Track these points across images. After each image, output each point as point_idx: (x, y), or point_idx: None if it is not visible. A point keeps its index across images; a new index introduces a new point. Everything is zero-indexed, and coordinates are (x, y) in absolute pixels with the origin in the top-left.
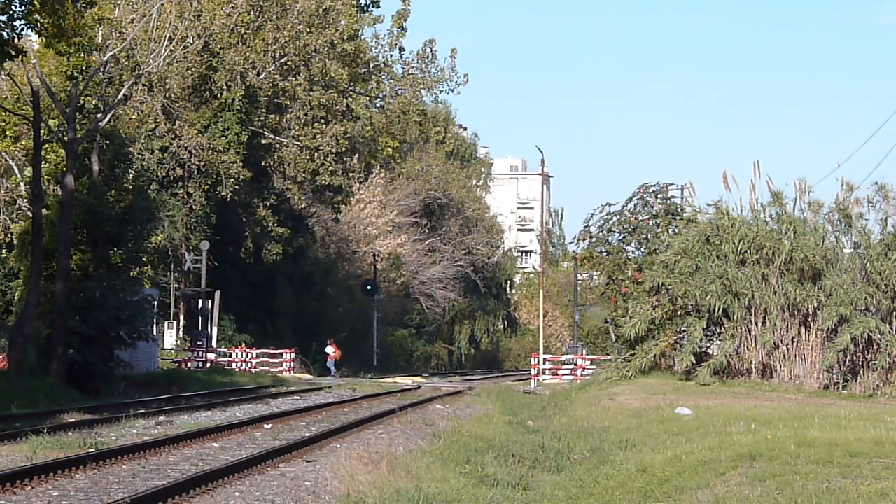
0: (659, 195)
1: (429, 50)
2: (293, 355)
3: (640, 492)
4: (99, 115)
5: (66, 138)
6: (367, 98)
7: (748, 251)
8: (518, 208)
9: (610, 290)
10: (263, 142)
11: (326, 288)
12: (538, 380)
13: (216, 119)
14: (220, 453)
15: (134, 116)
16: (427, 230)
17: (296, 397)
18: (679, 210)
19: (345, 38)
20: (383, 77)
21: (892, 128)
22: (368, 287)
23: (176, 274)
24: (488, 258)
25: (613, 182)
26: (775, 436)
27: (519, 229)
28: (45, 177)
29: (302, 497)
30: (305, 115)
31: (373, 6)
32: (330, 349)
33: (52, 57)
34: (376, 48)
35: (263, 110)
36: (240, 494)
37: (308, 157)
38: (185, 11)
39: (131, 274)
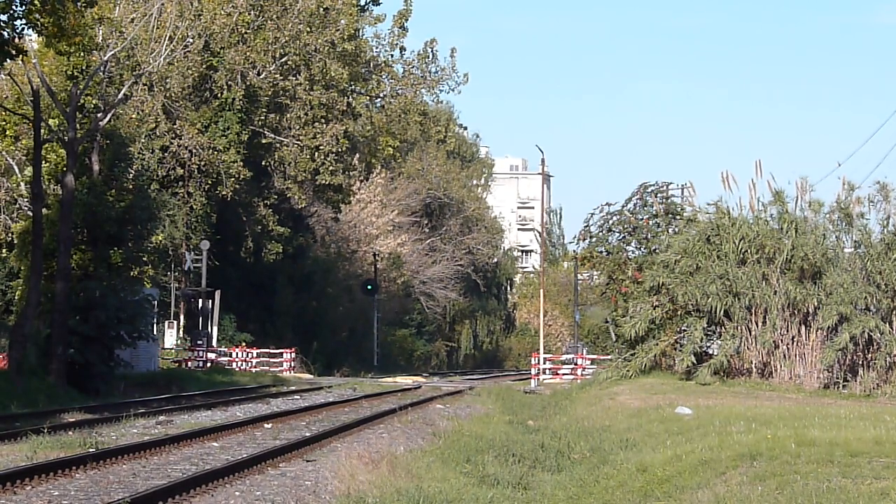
0: (659, 195)
1: (429, 50)
2: (293, 355)
3: (641, 491)
4: (99, 115)
5: (66, 138)
6: (368, 97)
7: (748, 251)
8: (518, 208)
9: (610, 289)
10: (264, 141)
11: (326, 287)
12: (538, 379)
13: (216, 119)
14: (220, 453)
15: (134, 116)
16: (427, 230)
17: (296, 397)
18: (679, 210)
19: (345, 37)
20: (384, 77)
21: (892, 128)
22: (368, 287)
23: (176, 273)
24: (488, 258)
25: (613, 182)
26: (775, 435)
27: (519, 229)
28: (46, 176)
29: (302, 497)
30: (306, 114)
31: (373, 5)
32: None
33: (52, 56)
34: (377, 48)
35: (264, 110)
36: (240, 494)
37: (308, 156)
38: (185, 11)
39: (131, 273)
